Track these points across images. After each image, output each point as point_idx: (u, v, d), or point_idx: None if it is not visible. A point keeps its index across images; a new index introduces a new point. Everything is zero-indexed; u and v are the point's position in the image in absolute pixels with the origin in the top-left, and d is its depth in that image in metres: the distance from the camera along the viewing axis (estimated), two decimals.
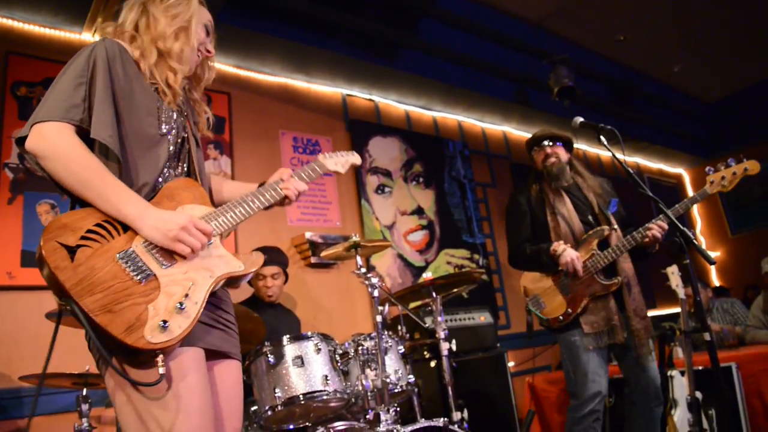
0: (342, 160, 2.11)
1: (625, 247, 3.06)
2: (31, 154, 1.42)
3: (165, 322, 1.31)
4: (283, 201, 1.84)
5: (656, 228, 3.01)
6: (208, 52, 1.77)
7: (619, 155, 2.64)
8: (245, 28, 4.30)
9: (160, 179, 1.56)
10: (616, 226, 3.18)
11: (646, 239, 3.03)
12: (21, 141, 1.45)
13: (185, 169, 1.66)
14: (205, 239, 1.48)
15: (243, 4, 4.22)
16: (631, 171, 2.64)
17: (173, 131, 1.61)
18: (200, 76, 1.81)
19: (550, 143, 3.34)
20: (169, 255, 1.43)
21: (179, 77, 1.64)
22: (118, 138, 1.47)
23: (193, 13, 1.69)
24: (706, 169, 3.05)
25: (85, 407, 2.80)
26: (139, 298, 1.33)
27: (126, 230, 1.42)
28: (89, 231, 1.36)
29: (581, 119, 2.82)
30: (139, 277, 1.36)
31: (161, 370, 1.31)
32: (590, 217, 3.22)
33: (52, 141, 1.40)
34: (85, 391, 2.83)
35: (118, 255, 1.36)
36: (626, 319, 3.04)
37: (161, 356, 1.32)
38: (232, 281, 1.56)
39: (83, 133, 1.45)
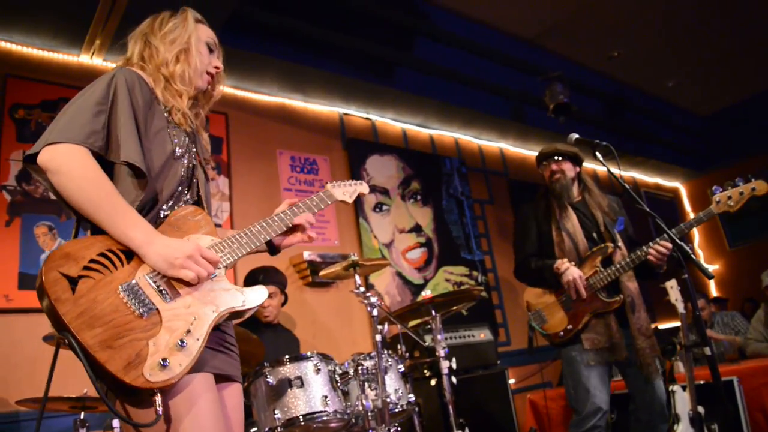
0: (350, 190, 2.09)
1: (629, 266, 3.05)
2: (42, 170, 1.41)
3: (165, 360, 1.28)
4: (292, 231, 1.82)
5: (661, 246, 2.99)
6: (216, 68, 1.78)
7: (615, 171, 2.65)
8: (243, 49, 4.34)
9: (171, 203, 1.56)
10: (620, 244, 3.17)
11: (649, 256, 3.02)
12: (29, 159, 1.44)
13: (195, 195, 1.65)
14: (212, 269, 1.45)
15: (240, 25, 4.26)
16: (628, 186, 2.65)
17: (186, 155, 1.62)
18: (211, 92, 1.84)
19: (557, 159, 3.34)
20: (173, 288, 1.41)
21: (185, 99, 1.66)
22: (140, 154, 1.48)
23: (191, 33, 1.71)
24: (713, 188, 2.97)
25: (83, 431, 2.77)
26: (140, 333, 1.30)
27: (130, 260, 1.39)
28: (92, 261, 1.33)
29: (577, 136, 2.84)
30: (140, 311, 1.33)
31: (159, 410, 1.27)
32: (595, 234, 3.22)
33: (68, 159, 1.39)
34: (83, 415, 2.81)
35: (120, 287, 1.33)
36: (631, 338, 3.03)
37: (158, 395, 1.27)
38: (235, 315, 1.53)
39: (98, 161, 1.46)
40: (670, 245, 2.95)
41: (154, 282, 1.38)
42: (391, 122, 5.84)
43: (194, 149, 1.69)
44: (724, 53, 6.89)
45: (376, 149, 5.53)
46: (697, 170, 9.00)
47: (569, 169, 3.34)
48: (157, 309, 1.35)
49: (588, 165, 8.01)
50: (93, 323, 1.25)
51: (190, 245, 1.43)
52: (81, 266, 1.31)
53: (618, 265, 3.06)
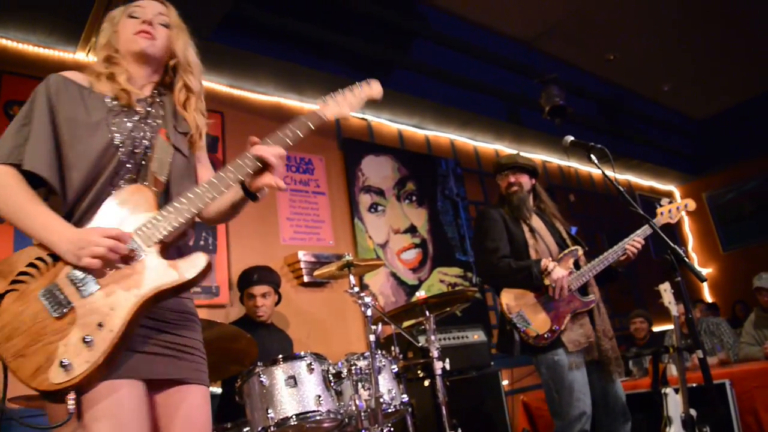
0: (352, 97, 1.76)
1: (602, 264, 3.12)
2: None
3: (64, 361, 1.26)
4: (262, 173, 1.54)
5: (637, 242, 3.13)
6: (144, 22, 1.67)
7: (610, 173, 2.67)
8: (238, 48, 4.34)
9: (108, 190, 1.51)
10: (586, 248, 3.26)
11: (624, 257, 3.14)
12: None
13: (147, 177, 1.57)
14: (119, 245, 1.35)
15: (236, 24, 4.25)
16: (622, 189, 2.67)
17: (132, 139, 1.56)
18: (173, 53, 1.73)
19: (515, 171, 3.37)
20: (95, 280, 1.36)
21: (121, 75, 1.61)
22: (55, 166, 1.47)
23: (118, 13, 1.71)
24: (661, 200, 3.36)
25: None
26: (53, 336, 1.29)
27: (57, 263, 1.38)
28: (21, 273, 1.35)
29: (572, 138, 2.85)
30: (56, 313, 1.31)
31: (70, 407, 1.26)
32: (559, 239, 3.28)
33: None
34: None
35: (39, 293, 1.33)
36: (596, 339, 3.07)
37: (71, 396, 1.27)
38: (171, 293, 1.42)
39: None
40: (642, 240, 3.13)
41: (75, 278, 1.36)
42: (387, 123, 5.84)
43: (153, 126, 1.62)
44: (720, 57, 6.92)
45: (372, 149, 5.53)
46: (691, 173, 9.04)
47: (526, 181, 3.37)
48: (73, 306, 1.33)
49: (583, 167, 8.07)
50: (12, 335, 1.28)
51: (89, 230, 1.38)
52: (9, 281, 1.34)
53: (592, 265, 3.12)
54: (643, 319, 5.61)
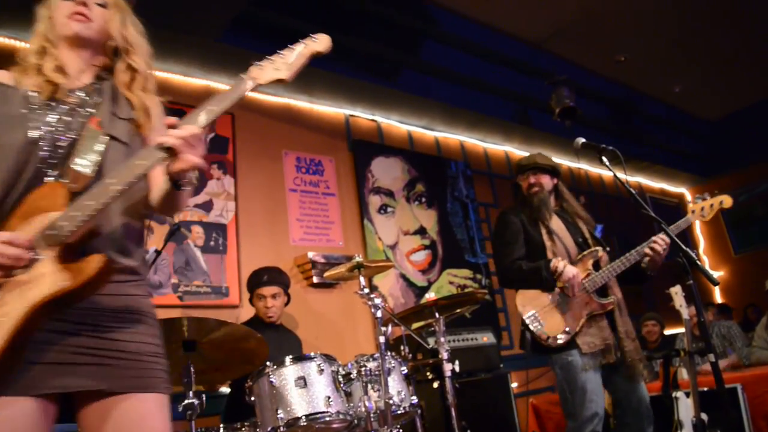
0: (291, 57, 1.49)
1: (623, 266, 3.06)
2: None
3: None
4: (174, 160, 1.37)
5: (659, 242, 3.02)
6: (79, 3, 1.55)
7: (621, 175, 2.65)
8: (248, 49, 4.35)
9: (24, 191, 1.40)
10: (608, 248, 3.22)
11: (647, 257, 3.05)
12: None
13: (68, 172, 1.44)
14: (7, 250, 1.25)
15: (246, 25, 4.27)
16: (633, 191, 2.66)
17: (48, 135, 1.44)
18: (117, 39, 1.60)
19: (535, 172, 3.36)
20: None
21: (49, 62, 1.51)
22: None
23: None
24: (695, 197, 3.24)
25: None
26: None
27: None
28: None
29: (583, 140, 2.84)
30: None
31: None
32: (581, 240, 3.24)
33: None
34: None
35: None
36: (618, 341, 3.04)
37: None
38: (68, 301, 1.30)
39: None
40: (667, 239, 2.99)
41: None
42: (396, 124, 5.85)
43: (84, 115, 1.50)
44: (732, 58, 6.87)
45: (382, 151, 5.53)
46: (703, 176, 8.97)
47: (547, 182, 3.35)
48: None
49: (593, 169, 8.02)
50: None
51: None
52: None
53: (611, 267, 3.08)
54: (655, 322, 5.57)
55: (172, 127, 1.36)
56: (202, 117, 1.40)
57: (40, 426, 1.28)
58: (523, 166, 3.41)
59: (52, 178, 1.41)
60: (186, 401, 2.49)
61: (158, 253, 3.58)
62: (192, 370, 2.54)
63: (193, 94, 4.42)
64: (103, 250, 1.37)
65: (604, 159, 2.77)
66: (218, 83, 4.56)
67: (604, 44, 6.25)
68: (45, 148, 1.43)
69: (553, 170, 3.39)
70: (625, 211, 7.58)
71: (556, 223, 3.26)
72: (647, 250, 3.05)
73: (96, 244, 1.39)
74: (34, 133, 1.42)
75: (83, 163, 1.43)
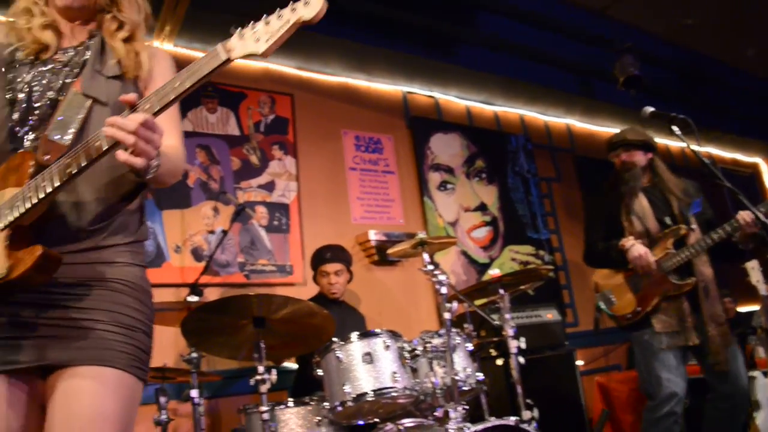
0: (273, 25, 1.19)
1: (703, 247, 2.94)
2: None
3: None
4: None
5: (745, 215, 2.85)
6: None
7: (694, 146, 2.54)
8: (306, 30, 4.36)
9: (5, 155, 1.34)
10: (694, 227, 3.07)
11: (737, 230, 2.88)
12: None
13: (43, 142, 1.34)
14: None
15: None
16: (707, 161, 2.54)
17: (22, 96, 1.36)
18: None
19: (627, 148, 3.26)
20: None
21: (38, 21, 1.42)
22: None
23: None
24: None
25: (163, 400, 2.91)
26: None
27: None
28: None
29: (651, 109, 2.73)
30: None
31: None
32: (668, 218, 3.14)
33: None
34: (163, 385, 2.95)
35: None
36: (701, 325, 2.94)
37: None
38: (6, 290, 1.24)
39: None
40: (752, 215, 2.80)
41: None
42: (454, 100, 5.78)
43: (68, 75, 1.41)
44: None
45: (440, 127, 5.49)
46: None
47: (639, 157, 3.25)
48: None
49: (659, 140, 7.71)
50: None
51: None
52: None
53: (691, 247, 2.96)
54: (731, 299, 5.35)
55: (131, 106, 1.21)
56: (154, 101, 1.22)
57: (10, 401, 1.24)
58: (614, 143, 3.33)
59: (29, 144, 1.33)
60: (258, 376, 2.56)
61: (225, 233, 3.70)
62: (262, 345, 2.61)
63: (252, 76, 4.49)
64: (65, 229, 1.30)
65: (675, 129, 2.66)
66: (278, 65, 4.63)
67: (671, 7, 5.95)
68: (19, 110, 1.35)
69: (646, 145, 3.28)
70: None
71: (641, 202, 3.16)
72: (741, 221, 2.86)
73: (57, 223, 1.31)
74: (7, 94, 1.35)
75: (60, 131, 1.32)
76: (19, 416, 1.26)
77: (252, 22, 1.21)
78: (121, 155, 1.17)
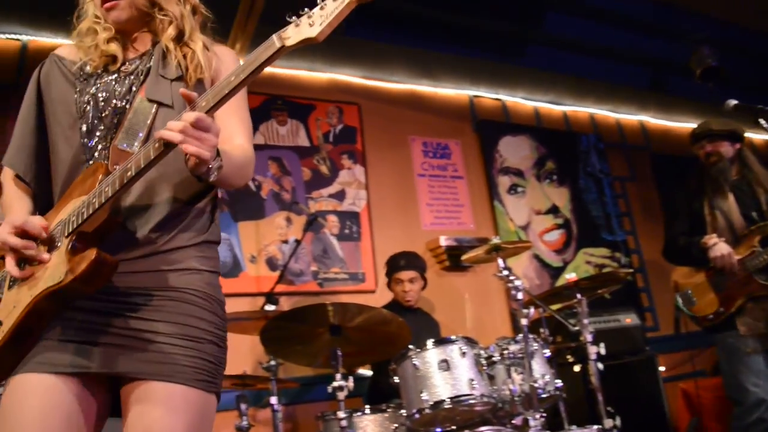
0: (328, 8, 1.14)
1: None
2: None
3: None
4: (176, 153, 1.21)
5: None
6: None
7: None
8: (370, 40, 4.43)
9: (76, 172, 1.37)
10: None
11: None
12: None
13: (113, 151, 1.35)
14: (12, 240, 1.24)
15: (366, 16, 4.33)
16: None
17: (90, 107, 1.38)
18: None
19: (711, 139, 3.12)
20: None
21: (103, 36, 1.42)
22: (28, 162, 1.42)
23: None
24: None
25: (243, 406, 2.99)
26: None
27: None
28: None
29: (735, 102, 2.60)
30: None
31: None
32: (755, 214, 2.97)
33: None
34: (243, 392, 3.04)
35: None
36: None
37: None
38: (66, 296, 1.23)
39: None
40: None
41: (5, 271, 1.32)
42: (521, 101, 5.70)
43: (130, 83, 1.41)
44: None
45: (508, 130, 5.42)
46: None
47: (726, 148, 3.10)
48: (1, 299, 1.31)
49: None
50: None
51: (4, 223, 1.27)
52: None
53: None
54: None
55: (189, 102, 1.20)
56: (209, 97, 1.19)
57: (58, 399, 1.22)
58: (698, 134, 3.20)
59: (98, 154, 1.36)
60: (335, 383, 2.61)
61: (298, 243, 3.78)
62: (339, 353, 2.65)
63: (319, 87, 4.58)
64: (129, 234, 1.31)
65: (762, 121, 2.53)
66: (344, 75, 4.71)
67: None
68: (86, 121, 1.37)
69: (733, 135, 3.13)
70: None
71: (726, 196, 3.02)
72: None
73: (123, 229, 1.31)
74: (80, 105, 1.38)
75: (129, 139, 1.33)
76: (89, 424, 1.27)
77: (307, 10, 1.16)
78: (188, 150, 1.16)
